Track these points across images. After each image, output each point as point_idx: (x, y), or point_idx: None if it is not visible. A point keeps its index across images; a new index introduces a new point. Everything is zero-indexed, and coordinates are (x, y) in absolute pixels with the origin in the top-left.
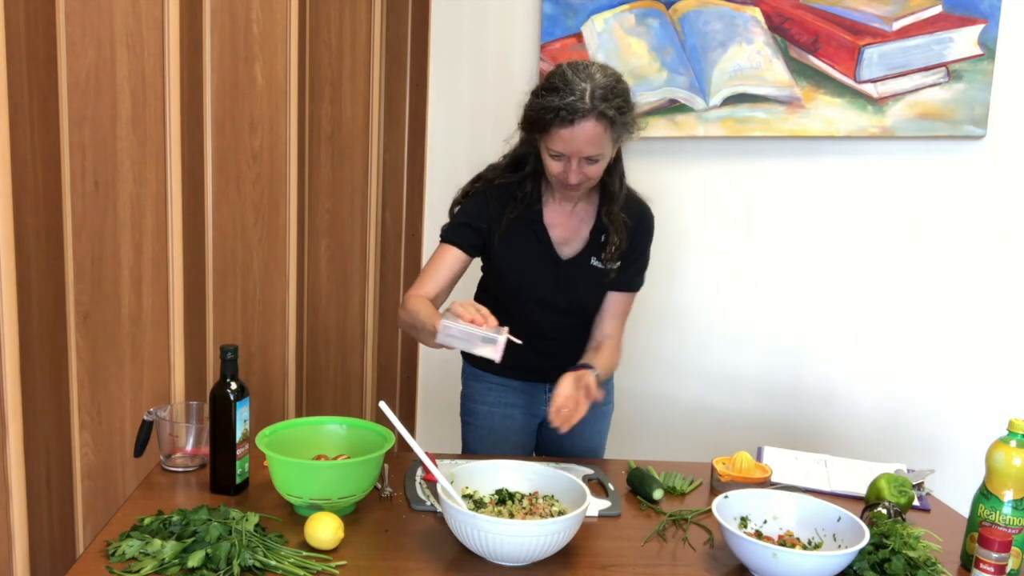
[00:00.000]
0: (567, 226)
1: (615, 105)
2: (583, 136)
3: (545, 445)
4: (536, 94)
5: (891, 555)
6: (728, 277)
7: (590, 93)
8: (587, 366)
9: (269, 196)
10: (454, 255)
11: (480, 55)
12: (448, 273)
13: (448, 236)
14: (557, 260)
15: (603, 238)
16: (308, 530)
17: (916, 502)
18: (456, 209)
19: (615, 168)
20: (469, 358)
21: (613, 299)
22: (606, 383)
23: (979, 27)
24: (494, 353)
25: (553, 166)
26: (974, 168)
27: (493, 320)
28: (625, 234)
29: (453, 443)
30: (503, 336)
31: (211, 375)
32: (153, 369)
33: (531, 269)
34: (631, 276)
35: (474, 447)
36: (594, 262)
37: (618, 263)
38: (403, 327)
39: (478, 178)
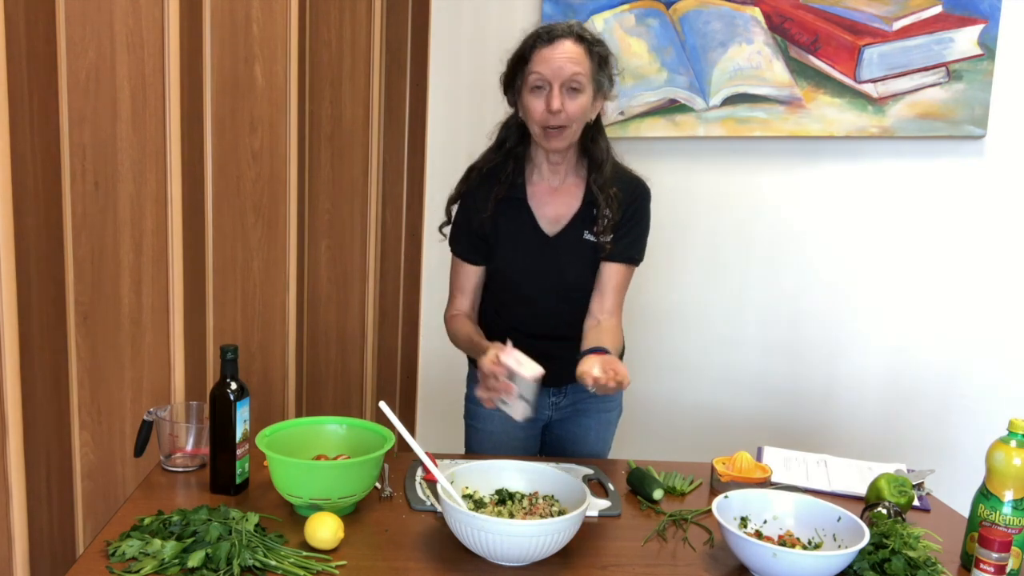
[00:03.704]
0: (553, 204)
1: (593, 35)
2: (563, 54)
3: (549, 450)
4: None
5: (891, 555)
6: (728, 277)
7: (567, 24)
8: (603, 349)
9: (269, 196)
10: (471, 267)
11: (480, 55)
12: (472, 284)
13: (456, 250)
14: (544, 238)
15: (594, 211)
16: (308, 530)
17: (916, 502)
18: (452, 208)
19: (599, 137)
20: (473, 360)
21: (610, 271)
22: None
23: (979, 27)
24: (517, 414)
25: (535, 106)
26: (974, 168)
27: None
28: (616, 204)
29: (453, 443)
30: (533, 389)
31: (211, 375)
32: (153, 369)
33: (519, 249)
34: (627, 246)
35: (476, 450)
36: (587, 236)
37: (611, 236)
38: (458, 347)
39: (470, 169)
